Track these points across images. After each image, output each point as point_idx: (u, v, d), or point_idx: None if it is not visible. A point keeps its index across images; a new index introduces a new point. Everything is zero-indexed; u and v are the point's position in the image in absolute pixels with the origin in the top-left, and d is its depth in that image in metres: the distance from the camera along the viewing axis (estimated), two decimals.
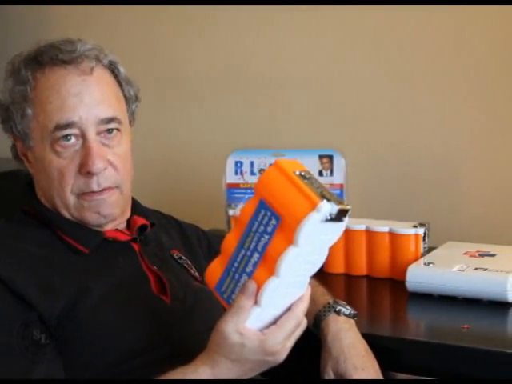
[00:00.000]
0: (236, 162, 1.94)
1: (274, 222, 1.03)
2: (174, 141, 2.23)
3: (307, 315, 1.11)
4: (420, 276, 1.56)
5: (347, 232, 1.70)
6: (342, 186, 1.88)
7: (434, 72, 1.93)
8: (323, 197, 1.00)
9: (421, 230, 1.69)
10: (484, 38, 1.87)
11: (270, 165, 1.08)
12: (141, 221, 1.35)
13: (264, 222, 1.04)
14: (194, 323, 1.26)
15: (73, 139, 1.26)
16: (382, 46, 1.98)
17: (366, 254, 1.73)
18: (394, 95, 1.98)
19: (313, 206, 0.99)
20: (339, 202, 1.01)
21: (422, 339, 1.40)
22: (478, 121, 1.90)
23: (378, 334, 1.42)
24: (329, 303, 1.35)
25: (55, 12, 2.33)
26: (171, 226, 1.47)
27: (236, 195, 1.93)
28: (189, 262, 1.39)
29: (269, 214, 1.04)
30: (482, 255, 1.62)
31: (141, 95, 1.37)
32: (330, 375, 1.29)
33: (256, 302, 1.05)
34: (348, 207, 1.02)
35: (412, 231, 1.69)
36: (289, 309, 1.08)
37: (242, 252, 1.07)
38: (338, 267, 1.76)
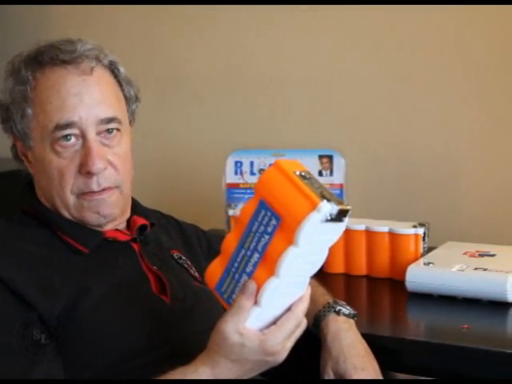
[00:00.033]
0: (236, 162, 1.94)
1: (274, 222, 1.03)
2: (174, 141, 2.23)
3: (307, 315, 1.11)
4: (420, 276, 1.56)
5: (347, 232, 1.69)
6: (341, 186, 1.88)
7: (434, 72, 1.93)
8: (323, 197, 1.00)
9: (420, 230, 1.69)
10: (484, 37, 1.87)
11: (270, 165, 1.08)
12: (141, 221, 1.35)
13: (264, 222, 1.04)
14: (193, 323, 1.26)
15: (73, 139, 1.26)
16: (381, 46, 1.98)
17: (366, 253, 1.74)
18: (394, 95, 1.98)
19: (313, 207, 1.00)
20: (339, 203, 1.01)
21: (422, 339, 1.40)
22: (478, 121, 1.90)
23: (378, 334, 1.42)
24: (328, 303, 1.35)
25: (55, 12, 2.33)
26: (171, 226, 1.47)
27: (236, 195, 1.93)
28: (189, 262, 1.39)
29: (269, 214, 1.04)
30: (481, 255, 1.62)
31: (141, 95, 1.37)
32: (329, 375, 1.30)
33: (256, 302, 1.05)
34: (348, 207, 1.02)
35: (412, 231, 1.69)
36: (289, 309, 1.08)
37: (242, 252, 1.07)
38: (338, 267, 1.76)
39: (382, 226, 1.72)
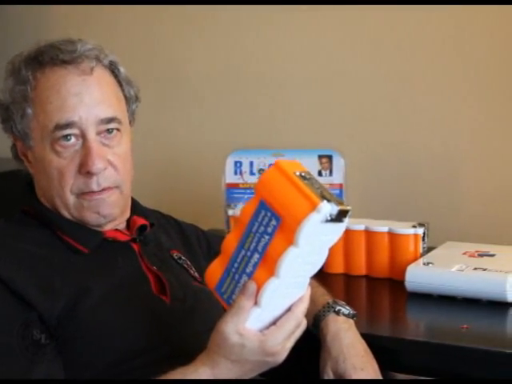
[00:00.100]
0: (235, 162, 1.94)
1: (274, 222, 1.03)
2: (174, 141, 2.23)
3: (307, 315, 1.11)
4: (419, 276, 1.57)
5: (346, 232, 1.69)
6: (341, 186, 1.89)
7: (434, 72, 1.93)
8: (323, 197, 1.00)
9: (420, 230, 1.69)
10: (484, 37, 1.87)
11: (270, 165, 1.08)
12: (140, 221, 1.35)
13: (264, 223, 1.04)
14: (193, 323, 1.26)
15: (73, 139, 1.26)
16: (381, 46, 1.98)
17: (366, 254, 1.74)
18: (393, 95, 1.98)
19: (313, 207, 1.00)
20: (339, 203, 1.01)
21: (422, 339, 1.40)
22: (478, 121, 1.90)
23: (377, 334, 1.42)
24: (328, 303, 1.35)
25: (55, 12, 2.33)
26: (171, 226, 1.47)
27: (235, 195, 1.93)
28: (188, 262, 1.39)
29: (269, 214, 1.04)
30: (481, 255, 1.62)
31: (141, 95, 1.37)
32: (329, 375, 1.30)
33: (256, 303, 1.05)
34: (348, 208, 1.02)
35: (411, 231, 1.69)
36: (289, 309, 1.08)
37: (242, 252, 1.07)
38: (338, 267, 1.76)
39: (381, 226, 1.72)
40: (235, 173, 1.93)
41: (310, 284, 1.10)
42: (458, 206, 1.93)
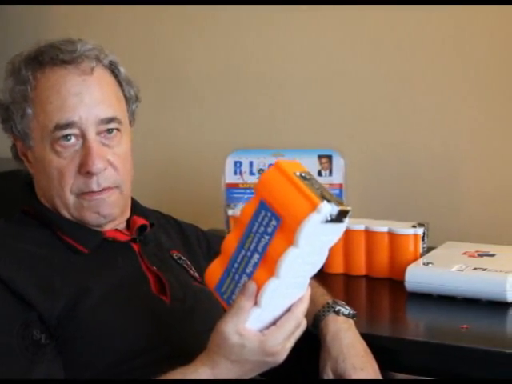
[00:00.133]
0: (235, 162, 1.94)
1: (274, 222, 1.03)
2: (174, 141, 2.23)
3: (307, 315, 1.11)
4: (419, 276, 1.57)
5: (346, 232, 1.67)
6: (341, 186, 1.89)
7: (434, 72, 1.93)
8: (323, 198, 1.00)
9: (420, 230, 1.69)
10: (484, 37, 1.87)
11: (270, 165, 1.08)
12: (140, 221, 1.35)
13: (264, 223, 1.04)
14: (193, 323, 1.26)
15: (73, 139, 1.26)
16: (381, 46, 1.98)
17: (365, 254, 1.74)
18: (393, 95, 1.98)
19: (313, 207, 1.00)
20: (339, 203, 1.01)
21: (421, 339, 1.40)
22: (478, 121, 1.90)
23: (377, 334, 1.42)
24: (328, 303, 1.35)
25: (55, 12, 2.33)
26: (170, 226, 1.47)
27: (235, 195, 1.93)
28: (188, 263, 1.39)
29: (269, 214, 1.04)
30: (481, 255, 1.62)
31: (141, 95, 1.37)
32: (329, 375, 1.30)
33: (256, 303, 1.05)
34: (348, 208, 1.02)
35: (411, 231, 1.69)
36: (289, 309, 1.08)
37: (242, 253, 1.07)
38: (338, 267, 1.76)
39: (381, 226, 1.72)
40: (235, 173, 1.93)
41: (310, 284, 1.10)
42: (458, 206, 1.93)
